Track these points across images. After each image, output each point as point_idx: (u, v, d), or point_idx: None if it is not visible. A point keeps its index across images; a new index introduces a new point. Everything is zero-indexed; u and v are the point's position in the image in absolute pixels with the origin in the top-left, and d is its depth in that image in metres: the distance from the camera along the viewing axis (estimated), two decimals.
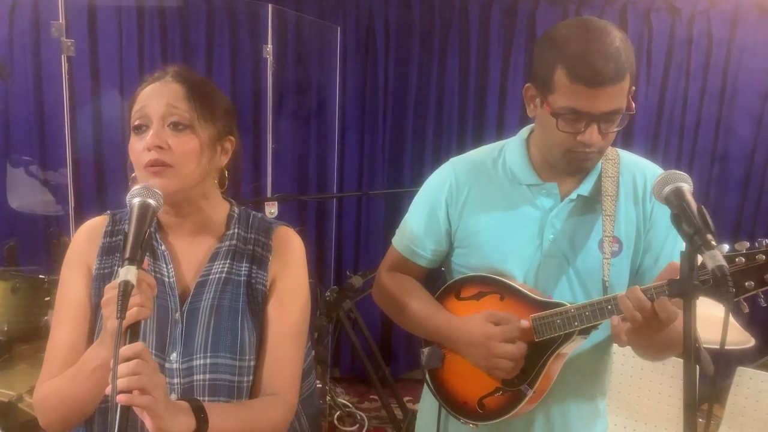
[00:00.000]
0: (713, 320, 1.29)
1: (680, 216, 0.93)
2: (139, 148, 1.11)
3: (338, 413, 3.47)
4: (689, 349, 0.90)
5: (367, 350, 3.06)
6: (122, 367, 0.89)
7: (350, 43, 3.61)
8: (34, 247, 3.37)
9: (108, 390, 0.87)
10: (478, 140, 3.67)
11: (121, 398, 0.87)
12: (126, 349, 0.91)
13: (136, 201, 1.01)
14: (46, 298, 2.53)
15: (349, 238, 3.81)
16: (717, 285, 0.84)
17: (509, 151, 1.39)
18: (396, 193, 3.51)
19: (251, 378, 1.15)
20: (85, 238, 1.22)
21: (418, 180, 3.67)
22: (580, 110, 1.15)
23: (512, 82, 3.62)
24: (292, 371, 1.18)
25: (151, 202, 1.02)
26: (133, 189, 1.04)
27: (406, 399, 3.27)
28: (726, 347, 2.47)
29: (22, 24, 3.33)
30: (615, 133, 1.21)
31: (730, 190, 3.64)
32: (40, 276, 2.58)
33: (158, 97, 1.12)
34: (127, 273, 0.91)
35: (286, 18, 3.46)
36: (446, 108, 3.68)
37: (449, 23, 3.59)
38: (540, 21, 3.54)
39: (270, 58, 3.06)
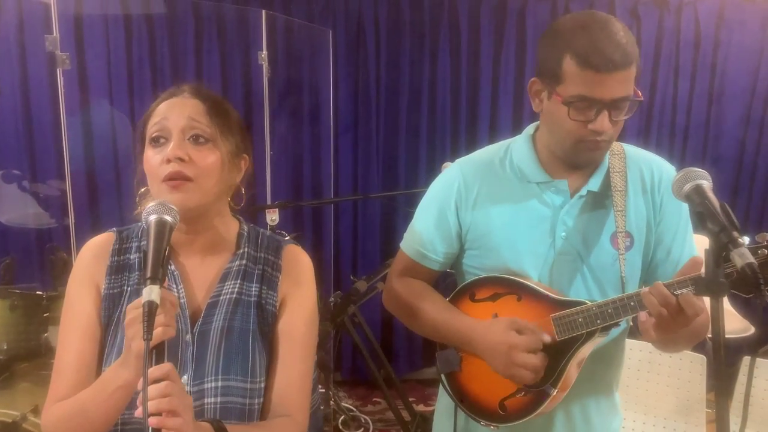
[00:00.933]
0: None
1: (704, 214, 0.93)
2: (156, 161, 1.09)
3: (342, 417, 3.46)
4: (719, 346, 0.90)
5: (371, 353, 3.04)
6: (152, 389, 0.87)
7: (341, 46, 3.60)
8: (30, 263, 3.32)
9: (138, 413, 0.85)
10: (472, 138, 3.69)
11: (152, 421, 0.86)
12: (155, 370, 0.89)
13: (153, 218, 1.00)
14: (45, 315, 2.49)
15: (347, 242, 3.80)
16: (744, 281, 0.84)
17: (516, 150, 1.39)
18: (392, 195, 3.51)
19: (262, 400, 1.14)
20: (93, 255, 1.19)
21: (413, 181, 3.71)
22: (591, 97, 1.16)
23: (504, 78, 3.63)
24: (303, 391, 1.17)
25: (168, 218, 1.00)
26: (148, 206, 1.02)
27: (410, 400, 3.26)
28: (726, 336, 2.49)
29: (7, 38, 3.28)
30: (623, 121, 1.22)
31: (721, 186, 3.68)
32: (38, 292, 2.54)
33: (179, 111, 1.11)
34: (151, 293, 0.89)
35: (277, 23, 3.44)
36: (439, 107, 3.68)
37: (439, 22, 3.59)
38: (529, 17, 3.55)
39: (265, 65, 3.03)
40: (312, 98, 3.67)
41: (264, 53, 3.04)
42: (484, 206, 1.37)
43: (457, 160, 1.46)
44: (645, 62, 3.61)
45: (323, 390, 3.45)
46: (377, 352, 3.03)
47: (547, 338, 1.25)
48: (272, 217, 2.52)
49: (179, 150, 1.08)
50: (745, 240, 1.05)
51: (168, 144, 1.09)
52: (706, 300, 1.22)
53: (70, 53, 3.23)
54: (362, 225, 3.78)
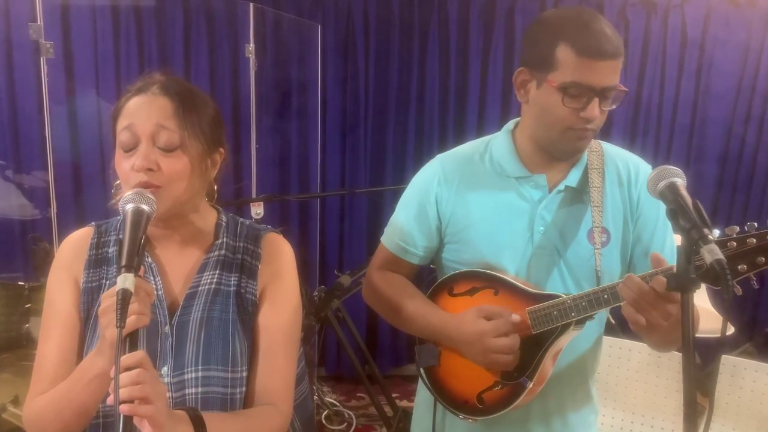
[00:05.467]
0: (698, 311, 1.30)
1: (676, 211, 0.94)
2: (127, 167, 1.08)
3: (326, 412, 3.47)
4: (688, 342, 0.91)
5: (355, 348, 3.05)
6: (124, 377, 0.87)
7: (330, 41, 3.60)
8: (13, 253, 3.29)
9: (109, 401, 0.85)
10: (460, 135, 3.70)
11: (123, 408, 0.86)
12: (127, 358, 0.89)
13: (130, 207, 1.00)
14: (27, 305, 2.48)
15: (333, 237, 3.80)
16: (714, 276, 0.86)
17: (495, 145, 1.41)
18: (379, 191, 3.51)
19: (244, 389, 1.14)
20: (71, 250, 1.19)
21: (400, 177, 3.72)
22: (584, 84, 1.19)
23: (492, 76, 3.64)
24: (287, 380, 1.18)
25: (145, 207, 1.00)
26: (125, 194, 1.02)
27: (393, 396, 3.27)
28: (706, 335, 2.51)
29: None
30: (607, 112, 1.25)
31: (705, 186, 3.72)
32: (20, 283, 2.53)
33: (146, 115, 1.08)
34: (125, 281, 0.89)
35: (265, 16, 3.43)
36: (427, 104, 3.68)
37: (428, 19, 3.59)
38: (518, 15, 3.57)
39: (252, 58, 3.02)
40: (300, 93, 3.66)
41: (251, 46, 3.03)
42: (463, 200, 1.39)
43: (438, 155, 1.47)
44: (632, 63, 3.64)
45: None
46: (361, 348, 3.04)
47: (516, 318, 1.27)
48: (257, 210, 2.52)
49: (146, 160, 1.06)
50: (715, 233, 1.07)
51: (137, 150, 1.08)
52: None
53: (57, 43, 3.22)
54: (349, 221, 3.78)
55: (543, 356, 1.27)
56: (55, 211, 2.30)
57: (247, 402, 1.15)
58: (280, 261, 1.22)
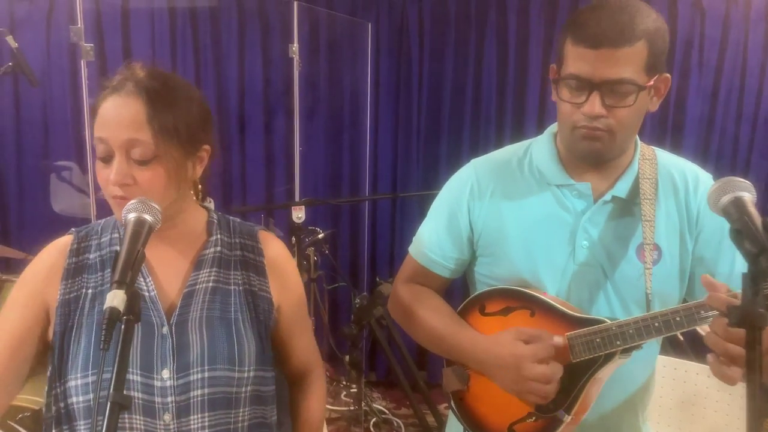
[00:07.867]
0: None
1: (742, 232, 0.79)
2: (104, 178, 1.04)
3: (374, 419, 3.39)
4: (754, 385, 0.76)
5: (401, 357, 2.96)
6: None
7: (383, 40, 3.52)
8: None
9: None
10: (518, 137, 3.44)
11: None
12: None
13: (132, 217, 0.94)
14: None
15: (384, 242, 3.72)
16: None
17: (536, 150, 1.29)
18: (430, 195, 3.40)
19: (249, 389, 1.12)
20: (47, 264, 1.13)
21: None
22: (581, 76, 1.08)
23: None
24: (313, 348, 1.34)
25: (148, 218, 0.95)
26: (129, 203, 0.97)
27: (443, 406, 3.16)
28: None
29: (58, 29, 3.36)
30: (628, 111, 1.09)
31: None
32: None
33: (119, 126, 1.02)
34: (114, 298, 0.82)
35: (317, 16, 3.39)
36: (484, 105, 3.53)
37: (486, 15, 3.44)
38: (583, 5, 3.35)
39: (296, 58, 2.97)
40: (350, 94, 3.61)
41: (295, 46, 2.99)
42: (497, 210, 1.27)
43: (473, 160, 1.37)
44: (711, 45, 3.33)
45: (355, 390, 3.39)
46: (406, 358, 2.95)
47: (558, 340, 1.14)
48: (298, 214, 2.46)
49: (120, 175, 1.02)
50: None
51: (112, 160, 1.03)
52: None
53: (116, 44, 3.30)
54: (400, 227, 3.68)
55: (583, 388, 1.13)
56: (95, 212, 2.32)
57: (293, 377, 1.30)
58: (281, 259, 1.24)
